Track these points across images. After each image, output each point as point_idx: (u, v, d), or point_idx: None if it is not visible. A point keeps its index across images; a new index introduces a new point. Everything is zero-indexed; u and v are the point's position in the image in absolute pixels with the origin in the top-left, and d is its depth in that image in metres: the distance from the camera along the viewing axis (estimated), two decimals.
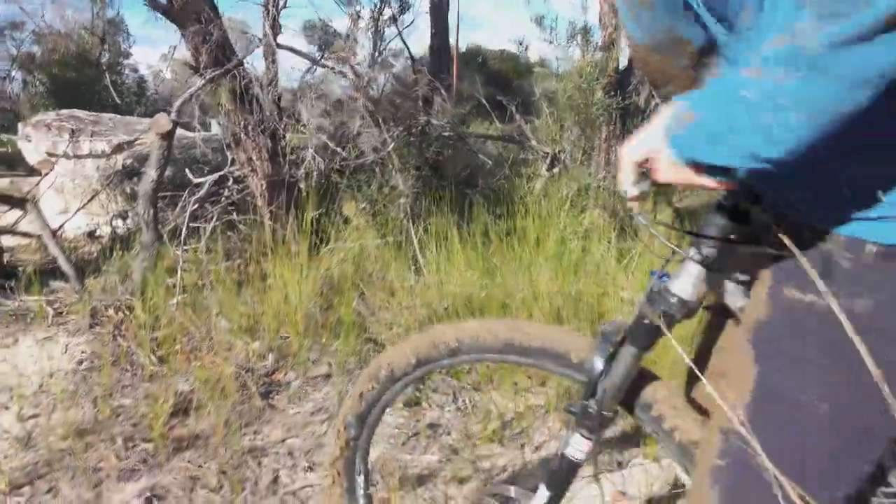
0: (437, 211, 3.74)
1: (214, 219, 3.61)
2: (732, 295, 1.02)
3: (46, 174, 4.68)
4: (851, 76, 0.61)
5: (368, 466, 1.46)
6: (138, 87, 10.84)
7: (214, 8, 3.14)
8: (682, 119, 0.76)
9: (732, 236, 0.95)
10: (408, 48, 4.75)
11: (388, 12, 4.63)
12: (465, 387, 2.53)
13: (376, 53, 4.44)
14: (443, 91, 4.34)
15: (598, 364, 1.06)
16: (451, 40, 7.24)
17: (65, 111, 5.43)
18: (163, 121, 2.95)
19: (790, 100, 0.65)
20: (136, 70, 11.48)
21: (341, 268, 3.31)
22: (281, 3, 3.02)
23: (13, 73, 10.68)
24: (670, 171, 0.80)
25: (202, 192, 3.29)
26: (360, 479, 1.46)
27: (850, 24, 0.59)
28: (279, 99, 3.33)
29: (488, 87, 8.31)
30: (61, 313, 2.94)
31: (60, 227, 3.82)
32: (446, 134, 4.20)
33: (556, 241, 3.53)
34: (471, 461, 2.05)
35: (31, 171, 5.23)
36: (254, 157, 3.34)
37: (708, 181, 0.77)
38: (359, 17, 4.40)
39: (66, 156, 4.67)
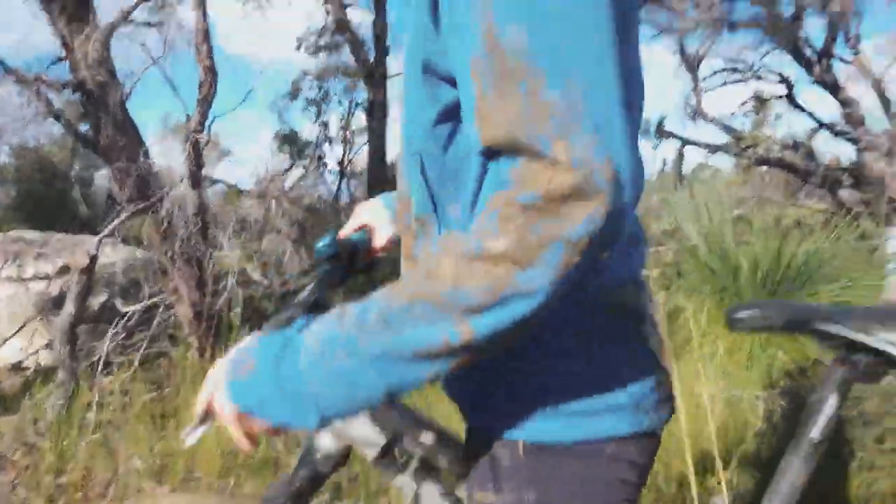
0: None
1: (143, 348, 3.55)
2: None
3: None
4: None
5: None
6: (107, 201, 10.94)
7: (140, 143, 3.19)
8: (243, 366, 0.71)
9: None
10: (342, 171, 4.86)
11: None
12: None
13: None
14: None
15: None
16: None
17: (12, 233, 5.43)
18: (80, 256, 2.94)
19: (333, 379, 0.64)
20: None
21: None
22: (203, 140, 3.08)
23: None
24: (233, 419, 0.71)
25: (120, 323, 3.24)
26: None
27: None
28: (206, 229, 3.34)
29: None
30: None
31: None
32: None
33: None
34: None
35: None
36: (180, 287, 3.32)
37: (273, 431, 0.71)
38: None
39: (8, 279, 4.64)
